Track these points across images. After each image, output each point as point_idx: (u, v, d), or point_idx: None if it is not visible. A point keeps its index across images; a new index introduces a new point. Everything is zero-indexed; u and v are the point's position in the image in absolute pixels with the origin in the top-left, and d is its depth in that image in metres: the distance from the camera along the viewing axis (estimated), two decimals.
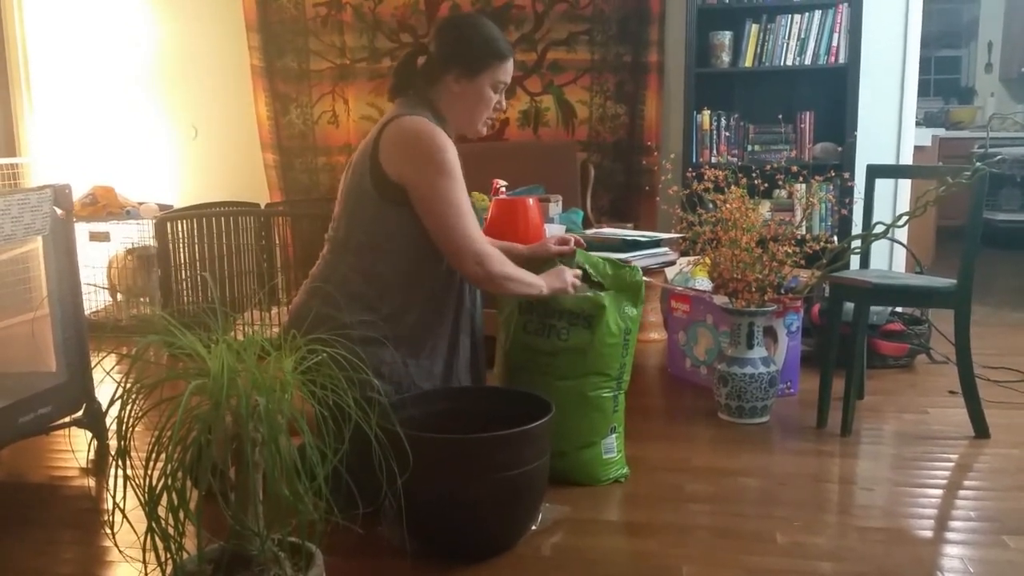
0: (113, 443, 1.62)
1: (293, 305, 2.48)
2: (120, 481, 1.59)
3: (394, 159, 2.33)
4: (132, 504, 1.61)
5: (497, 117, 2.66)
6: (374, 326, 2.29)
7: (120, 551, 1.77)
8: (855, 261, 3.33)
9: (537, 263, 2.73)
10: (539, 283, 2.50)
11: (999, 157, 6.93)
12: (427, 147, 2.31)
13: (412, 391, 2.37)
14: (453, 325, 2.50)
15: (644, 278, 2.63)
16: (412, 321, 2.40)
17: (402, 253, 2.38)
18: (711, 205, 3.17)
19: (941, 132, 7.57)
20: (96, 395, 2.88)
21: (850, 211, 3.97)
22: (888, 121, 4.58)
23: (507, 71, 2.53)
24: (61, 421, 2.82)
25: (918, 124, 5.43)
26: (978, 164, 2.82)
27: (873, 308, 3.57)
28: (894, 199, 4.58)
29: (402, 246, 2.37)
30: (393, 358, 2.30)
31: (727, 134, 4.48)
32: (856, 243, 3.11)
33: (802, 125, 4.43)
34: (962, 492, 2.57)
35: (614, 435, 2.60)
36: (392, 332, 2.31)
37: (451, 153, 2.33)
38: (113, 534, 1.73)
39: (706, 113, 4.47)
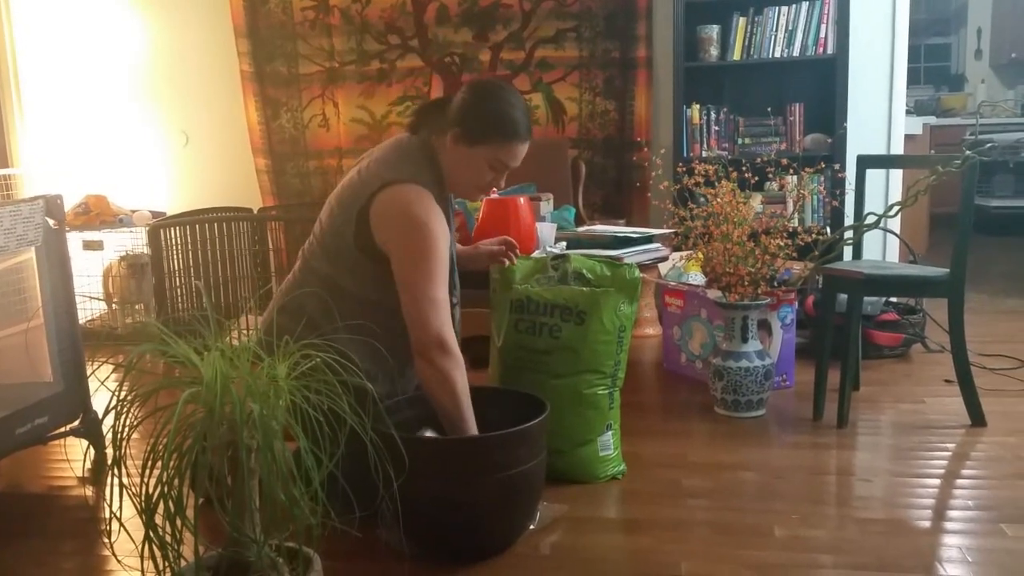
0: (110, 452, 1.63)
1: (262, 321, 2.46)
2: (117, 490, 1.59)
3: (381, 229, 2.30)
4: (130, 513, 1.61)
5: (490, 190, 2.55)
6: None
7: (118, 560, 1.78)
8: (848, 252, 3.33)
9: (476, 263, 2.76)
10: (470, 426, 2.23)
11: (990, 144, 6.94)
12: (416, 225, 2.26)
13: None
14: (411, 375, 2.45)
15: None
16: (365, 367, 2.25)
17: (365, 298, 2.36)
18: (702, 199, 3.18)
19: (932, 120, 7.58)
20: (92, 404, 2.88)
21: (841, 202, 3.97)
22: (878, 111, 4.59)
23: (511, 153, 2.40)
24: (58, 431, 2.81)
25: (909, 112, 5.44)
26: (968, 152, 2.82)
27: (867, 298, 3.58)
28: (886, 188, 4.59)
29: (367, 292, 2.36)
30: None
31: (717, 128, 4.49)
32: (848, 234, 3.11)
33: (792, 117, 4.44)
34: (960, 481, 2.58)
35: (610, 432, 2.60)
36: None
37: (435, 229, 2.27)
38: (111, 543, 1.73)
39: (696, 107, 4.48)
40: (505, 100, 2.39)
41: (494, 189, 3.83)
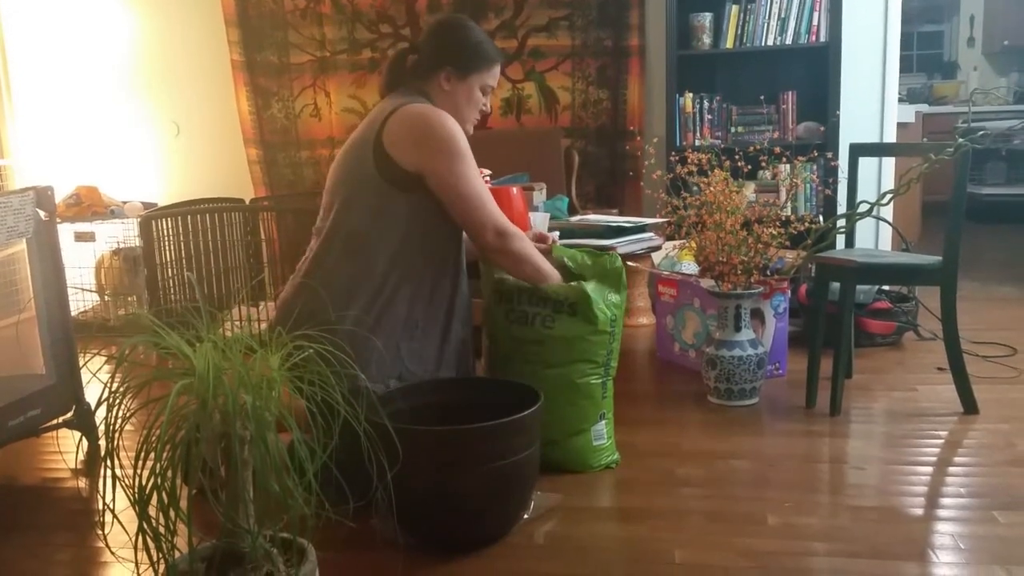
0: (103, 443, 1.62)
1: (280, 301, 2.49)
2: (110, 482, 1.59)
3: (407, 147, 2.38)
4: (123, 504, 1.61)
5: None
6: (361, 321, 2.30)
7: (112, 551, 1.77)
8: (841, 240, 3.34)
9: None
10: (553, 277, 2.54)
11: (982, 132, 6.94)
12: (440, 134, 2.39)
13: (405, 379, 2.38)
14: (447, 312, 2.52)
15: (630, 263, 2.62)
16: (404, 303, 2.43)
17: (396, 239, 2.41)
18: (695, 188, 3.18)
19: (924, 108, 7.58)
20: (85, 396, 2.88)
21: (834, 190, 3.97)
22: (871, 99, 4.58)
23: (494, 75, 2.62)
24: (51, 423, 2.81)
25: (901, 100, 5.44)
26: (960, 140, 2.83)
27: (860, 287, 3.58)
28: (878, 177, 4.59)
29: (400, 232, 2.41)
30: (382, 350, 2.31)
31: (710, 116, 4.48)
32: (841, 222, 3.11)
33: (784, 105, 4.43)
34: (952, 469, 2.59)
35: (604, 421, 2.60)
36: (383, 314, 2.38)
37: (461, 135, 2.42)
38: (105, 535, 1.72)
39: (688, 96, 4.46)
40: (473, 29, 2.61)
41: (485, 178, 3.83)
